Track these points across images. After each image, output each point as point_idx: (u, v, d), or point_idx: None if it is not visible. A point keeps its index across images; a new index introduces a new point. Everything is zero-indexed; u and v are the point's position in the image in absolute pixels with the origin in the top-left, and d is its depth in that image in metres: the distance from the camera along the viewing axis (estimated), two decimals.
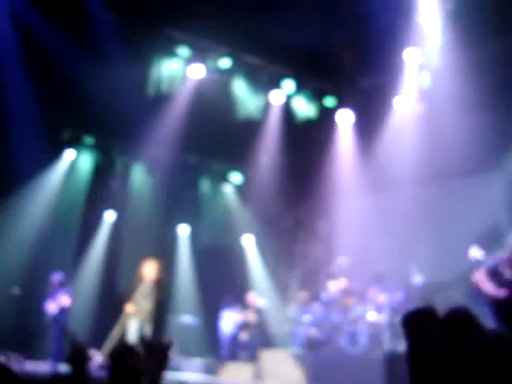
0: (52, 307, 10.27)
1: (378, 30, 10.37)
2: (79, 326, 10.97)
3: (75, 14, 10.06)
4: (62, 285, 10.20)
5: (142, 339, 8.20)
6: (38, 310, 11.05)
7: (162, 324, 9.23)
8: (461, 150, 10.46)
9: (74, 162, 12.95)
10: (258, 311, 11.97)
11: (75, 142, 12.83)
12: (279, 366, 9.56)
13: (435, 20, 10.54)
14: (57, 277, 10.23)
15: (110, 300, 11.53)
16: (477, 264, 8.66)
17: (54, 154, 12.40)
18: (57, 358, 9.54)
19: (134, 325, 8.47)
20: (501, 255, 8.38)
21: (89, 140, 12.98)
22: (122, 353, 2.73)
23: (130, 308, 8.45)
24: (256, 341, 11.58)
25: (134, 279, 8.75)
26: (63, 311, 10.17)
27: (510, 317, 6.54)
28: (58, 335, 10.17)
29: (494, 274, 7.07)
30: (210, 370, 10.54)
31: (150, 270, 8.74)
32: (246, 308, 12.00)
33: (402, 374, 8.12)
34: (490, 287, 6.95)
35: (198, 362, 11.25)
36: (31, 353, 10.29)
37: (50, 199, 12.33)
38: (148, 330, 8.35)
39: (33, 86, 10.40)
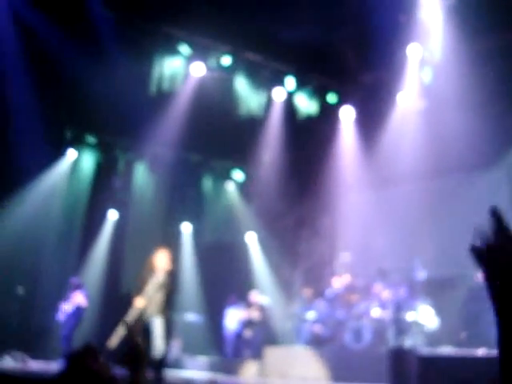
0: (66, 308, 10.46)
1: (379, 26, 10.34)
2: (84, 325, 10.99)
3: (76, 12, 10.05)
4: (79, 287, 10.62)
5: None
6: (42, 310, 11.14)
7: (171, 319, 8.42)
8: (463, 145, 10.44)
9: (77, 162, 12.98)
10: (262, 309, 11.98)
11: (78, 142, 12.86)
12: (302, 364, 9.41)
13: (437, 15, 10.52)
14: (75, 280, 10.64)
15: (114, 299, 11.56)
16: None
17: (57, 154, 12.42)
18: None
19: (143, 320, 7.64)
20: None
21: (91, 139, 13.00)
22: (84, 355, 2.69)
23: (139, 301, 7.52)
24: (260, 338, 11.60)
25: (145, 270, 7.87)
26: (80, 310, 10.45)
27: None
28: (68, 335, 10.32)
29: None
30: (215, 368, 10.55)
31: (163, 259, 7.89)
32: (250, 306, 12.00)
33: (407, 370, 8.13)
34: None
35: (202, 359, 11.26)
36: (37, 352, 10.35)
37: (53, 199, 12.35)
38: (157, 325, 7.52)
39: (35, 85, 10.41)
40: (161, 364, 7.37)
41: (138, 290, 7.66)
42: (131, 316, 7.38)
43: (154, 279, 7.63)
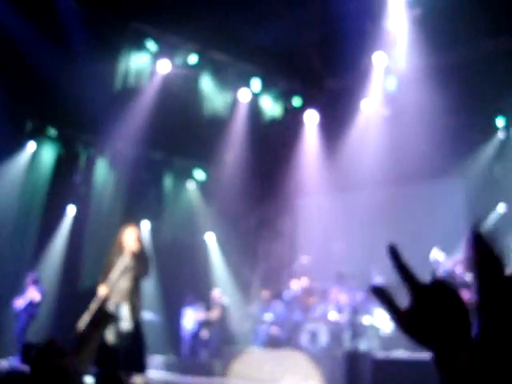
0: (20, 302, 10.27)
1: (346, 33, 10.48)
2: (39, 320, 10.81)
3: (43, 3, 9.88)
4: (35, 282, 10.38)
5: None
6: None
7: (140, 306, 6.84)
8: (423, 153, 10.68)
9: (37, 154, 12.72)
10: (222, 308, 11.98)
11: (38, 134, 12.59)
12: (293, 367, 9.17)
13: (403, 26, 10.72)
14: (31, 275, 10.43)
15: (71, 295, 11.38)
16: (437, 265, 8.87)
17: (16, 145, 12.16)
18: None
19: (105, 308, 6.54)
20: (456, 257, 8.59)
21: (52, 132, 12.76)
22: (48, 351, 2.68)
23: (102, 289, 6.55)
24: (217, 339, 11.60)
25: (112, 252, 6.84)
26: (32, 305, 10.24)
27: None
28: (21, 331, 10.12)
29: (451, 278, 7.22)
30: (171, 368, 10.50)
31: (131, 238, 6.74)
32: (211, 304, 11.99)
33: (362, 373, 8.25)
34: None
35: (158, 359, 11.19)
36: None
37: (11, 191, 12.08)
38: (125, 313, 6.50)
39: None
40: (127, 362, 6.33)
41: (104, 275, 6.68)
42: (94, 305, 6.47)
43: (119, 262, 6.65)
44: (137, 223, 7.15)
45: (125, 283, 6.64)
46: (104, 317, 2.74)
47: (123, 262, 6.65)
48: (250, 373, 9.24)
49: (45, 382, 2.62)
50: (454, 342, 0.99)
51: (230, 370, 9.58)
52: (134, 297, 6.64)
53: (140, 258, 6.76)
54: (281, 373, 8.99)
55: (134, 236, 6.81)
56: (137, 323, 6.56)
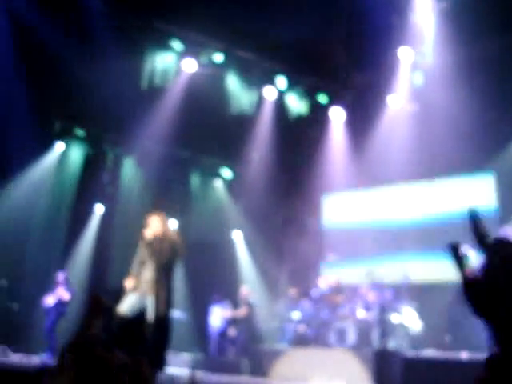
0: (50, 300, 10.40)
1: (372, 28, 10.38)
2: (69, 319, 10.92)
3: (69, 4, 9.99)
4: (65, 282, 10.53)
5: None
6: (26, 303, 11.04)
7: (167, 297, 6.20)
8: (452, 148, 10.52)
9: (65, 154, 12.88)
10: (250, 306, 11.96)
11: (66, 134, 12.75)
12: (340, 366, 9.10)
13: (429, 19, 10.56)
14: (60, 274, 10.57)
15: (100, 293, 11.48)
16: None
17: (45, 146, 12.33)
18: (53, 351, 9.58)
19: (130, 299, 6.21)
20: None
21: (80, 132, 12.91)
22: (92, 344, 2.68)
23: (128, 282, 6.25)
24: (244, 337, 11.58)
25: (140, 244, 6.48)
26: (62, 304, 10.36)
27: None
28: (50, 329, 10.25)
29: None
30: (198, 365, 10.51)
31: (151, 226, 6.34)
32: (239, 301, 11.97)
33: (391, 372, 8.13)
34: None
35: (186, 356, 11.22)
36: (20, 345, 10.26)
37: (40, 191, 12.25)
38: (150, 305, 6.10)
39: (24, 76, 10.31)
40: (154, 355, 5.93)
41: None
42: (123, 299, 6.18)
43: (139, 253, 6.32)
44: (161, 212, 6.58)
45: (148, 274, 6.23)
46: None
47: (141, 251, 6.34)
48: (293, 373, 9.17)
49: (90, 375, 2.63)
50: None
51: (272, 370, 9.52)
52: (160, 288, 6.16)
53: (158, 246, 6.28)
54: (318, 372, 8.93)
55: (156, 224, 6.37)
56: (161, 317, 6.10)
